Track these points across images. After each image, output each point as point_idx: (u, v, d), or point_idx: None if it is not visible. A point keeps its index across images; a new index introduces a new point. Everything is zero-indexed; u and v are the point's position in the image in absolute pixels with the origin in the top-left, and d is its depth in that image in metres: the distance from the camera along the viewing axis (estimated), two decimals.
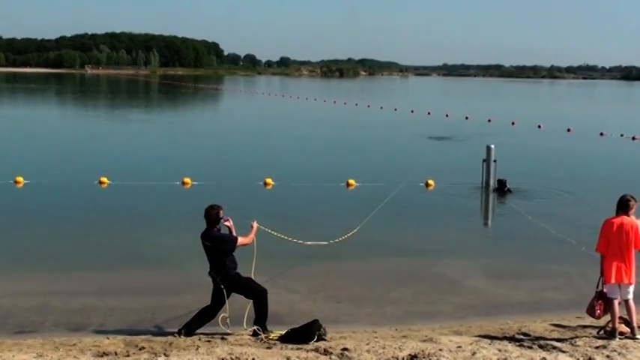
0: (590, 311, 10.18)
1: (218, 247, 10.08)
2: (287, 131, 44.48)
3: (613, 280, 9.89)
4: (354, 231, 15.13)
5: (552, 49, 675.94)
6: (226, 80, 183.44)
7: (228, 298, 10.08)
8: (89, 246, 15.60)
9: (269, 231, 11.32)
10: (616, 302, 9.93)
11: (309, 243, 13.16)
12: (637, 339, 9.81)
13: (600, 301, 10.03)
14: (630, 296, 9.98)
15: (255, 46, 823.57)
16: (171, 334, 10.07)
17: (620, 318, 10.11)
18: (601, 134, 42.58)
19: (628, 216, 9.98)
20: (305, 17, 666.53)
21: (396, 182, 22.94)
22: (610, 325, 10.04)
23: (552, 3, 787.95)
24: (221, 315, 10.15)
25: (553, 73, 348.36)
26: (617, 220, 9.97)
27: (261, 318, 10.13)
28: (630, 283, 9.95)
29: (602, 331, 10.17)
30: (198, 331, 10.12)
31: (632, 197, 10.12)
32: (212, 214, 10.13)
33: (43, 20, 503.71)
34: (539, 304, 12.39)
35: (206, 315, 10.26)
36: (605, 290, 9.97)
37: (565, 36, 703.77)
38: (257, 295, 10.21)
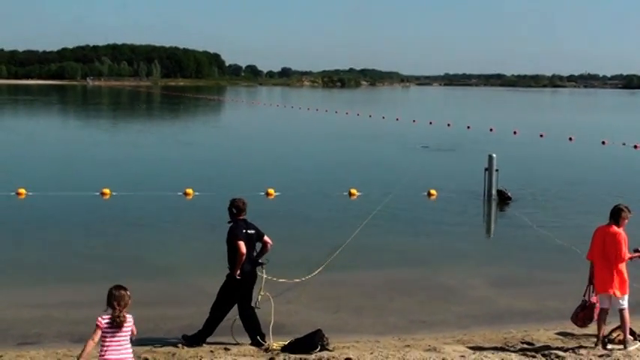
0: (574, 319, 10.11)
1: (261, 234, 10.03)
2: (289, 141, 44.50)
3: (599, 290, 9.77)
4: (331, 258, 14.74)
5: (554, 58, 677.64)
6: (228, 91, 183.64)
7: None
8: (91, 257, 15.59)
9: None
10: (603, 312, 9.80)
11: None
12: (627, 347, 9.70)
13: (583, 312, 9.88)
14: (622, 306, 9.75)
15: (256, 57, 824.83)
16: (174, 344, 10.05)
17: (618, 328, 10.04)
18: (603, 143, 42.57)
19: (618, 226, 9.75)
20: (306, 28, 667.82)
21: (397, 191, 22.95)
22: (614, 334, 10.00)
23: (553, 12, 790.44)
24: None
25: (554, 81, 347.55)
26: (604, 229, 9.80)
27: (259, 327, 10.08)
28: (613, 295, 9.69)
29: (605, 340, 10.13)
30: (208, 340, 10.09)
31: (626, 207, 9.84)
32: (241, 203, 9.97)
33: (44, 32, 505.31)
34: (542, 313, 12.35)
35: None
36: (593, 300, 9.84)
37: (566, 45, 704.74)
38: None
